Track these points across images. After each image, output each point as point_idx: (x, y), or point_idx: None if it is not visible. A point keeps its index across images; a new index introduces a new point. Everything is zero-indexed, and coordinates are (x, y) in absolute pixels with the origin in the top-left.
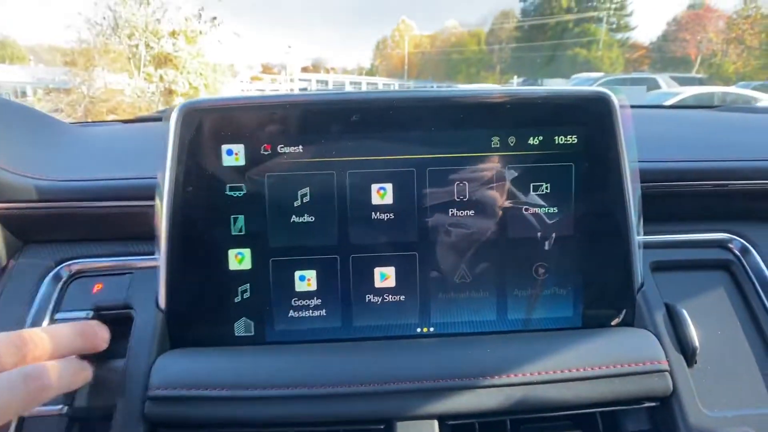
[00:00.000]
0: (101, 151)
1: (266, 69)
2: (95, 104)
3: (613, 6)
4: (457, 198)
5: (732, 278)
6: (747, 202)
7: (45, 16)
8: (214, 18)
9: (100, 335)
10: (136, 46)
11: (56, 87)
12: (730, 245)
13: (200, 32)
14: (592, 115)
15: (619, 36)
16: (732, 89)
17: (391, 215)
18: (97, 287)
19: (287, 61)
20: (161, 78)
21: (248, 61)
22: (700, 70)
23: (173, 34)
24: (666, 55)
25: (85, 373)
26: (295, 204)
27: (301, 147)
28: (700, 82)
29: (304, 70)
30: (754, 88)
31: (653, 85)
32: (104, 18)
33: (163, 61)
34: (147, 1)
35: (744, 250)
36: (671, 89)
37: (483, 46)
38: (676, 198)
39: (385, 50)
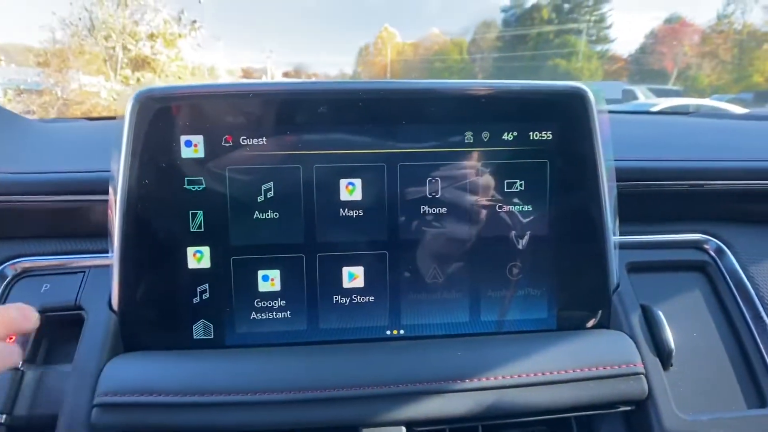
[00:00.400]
0: (60, 146)
1: (247, 73)
2: (69, 106)
3: (593, 18)
4: (429, 195)
5: (707, 279)
6: (723, 203)
7: (17, 15)
8: (194, 21)
9: (24, 314)
10: (113, 48)
11: (28, 88)
12: (706, 246)
13: (179, 35)
14: (568, 111)
15: (598, 48)
16: (707, 101)
17: (360, 212)
18: (46, 286)
19: (268, 66)
20: (138, 81)
21: (228, 65)
22: (677, 82)
23: (152, 36)
24: (644, 67)
25: (11, 358)
26: (259, 199)
27: (264, 139)
28: (677, 94)
29: (286, 75)
30: (728, 101)
31: (631, 96)
32: (80, 18)
33: (140, 63)
34: (125, 3)
35: (719, 251)
36: (648, 100)
37: (465, 55)
38: (652, 198)
39: (367, 57)
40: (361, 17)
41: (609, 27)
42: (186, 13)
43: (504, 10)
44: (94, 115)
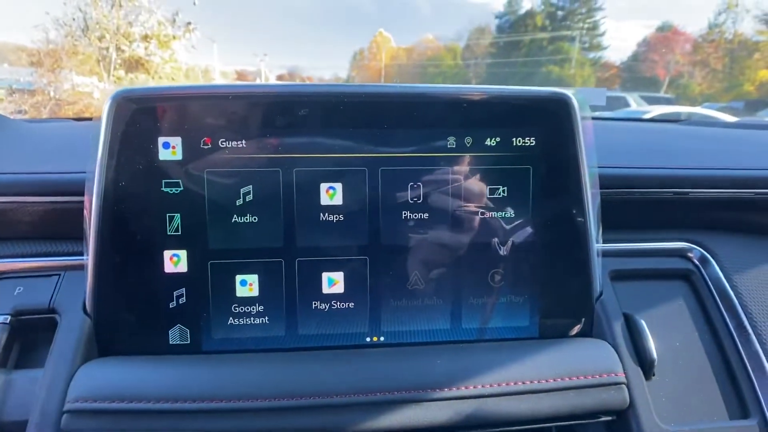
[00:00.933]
0: (41, 147)
1: (241, 76)
2: (61, 107)
3: (586, 26)
4: (411, 200)
5: (691, 288)
6: (707, 212)
7: (10, 14)
8: (189, 23)
9: None
10: (107, 48)
11: (20, 88)
12: (690, 255)
13: (174, 37)
14: (551, 117)
15: (591, 55)
16: (698, 110)
17: (341, 217)
18: (18, 288)
19: (263, 69)
20: (132, 82)
21: (223, 67)
22: (668, 90)
23: (146, 38)
24: (636, 75)
25: None
26: (237, 203)
27: (244, 141)
28: (668, 101)
29: (280, 78)
30: (719, 110)
31: (623, 103)
32: (74, 19)
33: (134, 64)
34: (119, 3)
35: (703, 260)
36: (640, 108)
37: (459, 60)
38: (636, 205)
39: (362, 61)
40: (356, 22)
41: (602, 34)
42: (181, 14)
43: (498, 17)
44: (87, 115)
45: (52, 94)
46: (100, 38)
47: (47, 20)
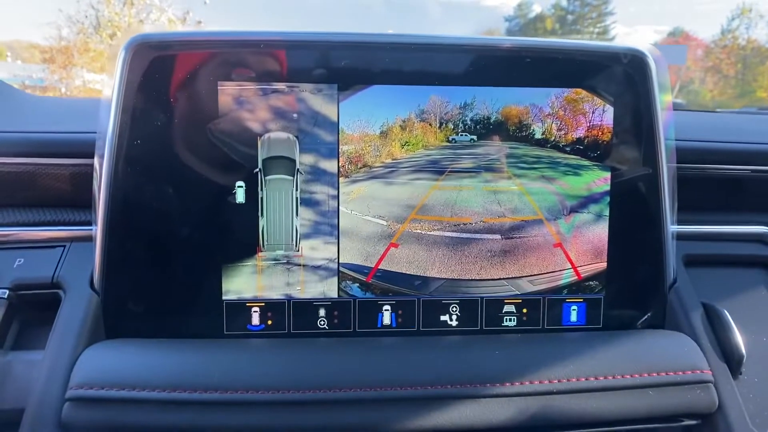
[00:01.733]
0: (49, 112)
1: None
2: None
3: (596, 30)
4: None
5: None
6: None
7: (24, 12)
8: (199, 22)
9: None
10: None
11: (33, 84)
12: None
13: None
14: (625, 76)
15: None
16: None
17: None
18: (19, 260)
19: None
20: None
21: None
22: (679, 96)
23: None
24: None
25: None
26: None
27: (277, 90)
28: (680, 107)
29: None
30: None
31: None
32: (86, 16)
33: None
34: (131, 1)
35: None
36: None
37: None
38: (713, 184)
39: None
40: (366, 23)
41: (612, 39)
42: (192, 13)
43: (508, 20)
44: None
45: (63, 90)
46: (111, 36)
47: (60, 17)
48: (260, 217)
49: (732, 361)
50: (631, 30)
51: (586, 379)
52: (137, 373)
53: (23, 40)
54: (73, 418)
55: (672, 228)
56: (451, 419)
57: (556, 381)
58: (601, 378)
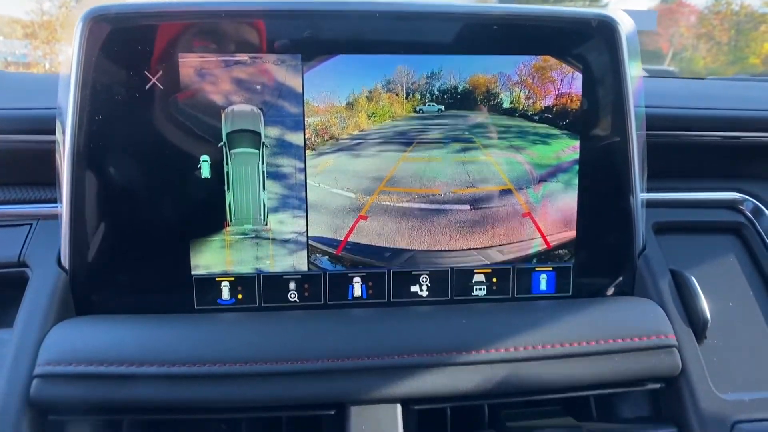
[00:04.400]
0: (9, 90)
1: None
2: None
3: None
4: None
5: (743, 243)
6: (761, 159)
7: None
8: None
9: None
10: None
11: (15, 60)
12: (742, 206)
13: None
14: (593, 42)
15: None
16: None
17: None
18: None
19: None
20: None
21: None
22: (672, 63)
23: None
24: (640, 47)
25: None
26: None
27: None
28: (672, 75)
29: None
30: None
31: None
32: None
33: None
34: None
35: (756, 212)
36: None
37: None
38: (683, 151)
39: None
40: None
41: (605, 6)
42: None
43: None
44: None
45: (47, 66)
46: None
47: None
48: (227, 192)
49: (697, 326)
50: None
51: (552, 347)
52: (106, 348)
53: (4, 15)
54: (41, 395)
55: (642, 196)
56: (419, 387)
57: (522, 348)
58: (567, 345)
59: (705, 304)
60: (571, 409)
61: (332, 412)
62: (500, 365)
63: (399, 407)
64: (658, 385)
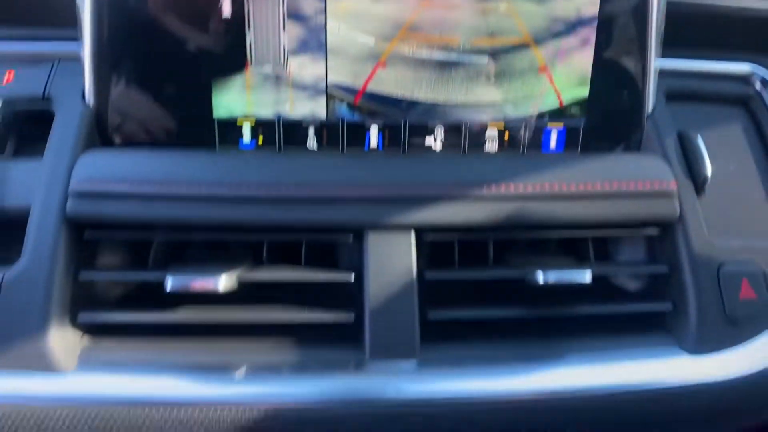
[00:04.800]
0: None
1: None
2: None
3: None
4: None
5: (750, 115)
6: None
7: None
8: None
9: None
10: None
11: None
12: (752, 79)
13: None
14: None
15: None
16: None
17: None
18: (8, 76)
19: None
20: None
21: None
22: None
23: None
24: None
25: None
26: None
27: None
28: None
29: None
30: None
31: None
32: None
33: None
34: None
35: (766, 85)
36: None
37: None
38: (697, 20)
39: None
40: None
41: None
42: None
43: None
44: None
45: None
46: None
47: None
48: (247, 31)
49: (697, 179)
50: None
51: (559, 187)
52: (134, 171)
53: None
54: (77, 211)
55: (656, 59)
56: (432, 217)
57: (531, 187)
58: (573, 186)
59: (707, 162)
60: (571, 252)
61: (350, 236)
62: (509, 202)
63: (413, 234)
64: (655, 231)
